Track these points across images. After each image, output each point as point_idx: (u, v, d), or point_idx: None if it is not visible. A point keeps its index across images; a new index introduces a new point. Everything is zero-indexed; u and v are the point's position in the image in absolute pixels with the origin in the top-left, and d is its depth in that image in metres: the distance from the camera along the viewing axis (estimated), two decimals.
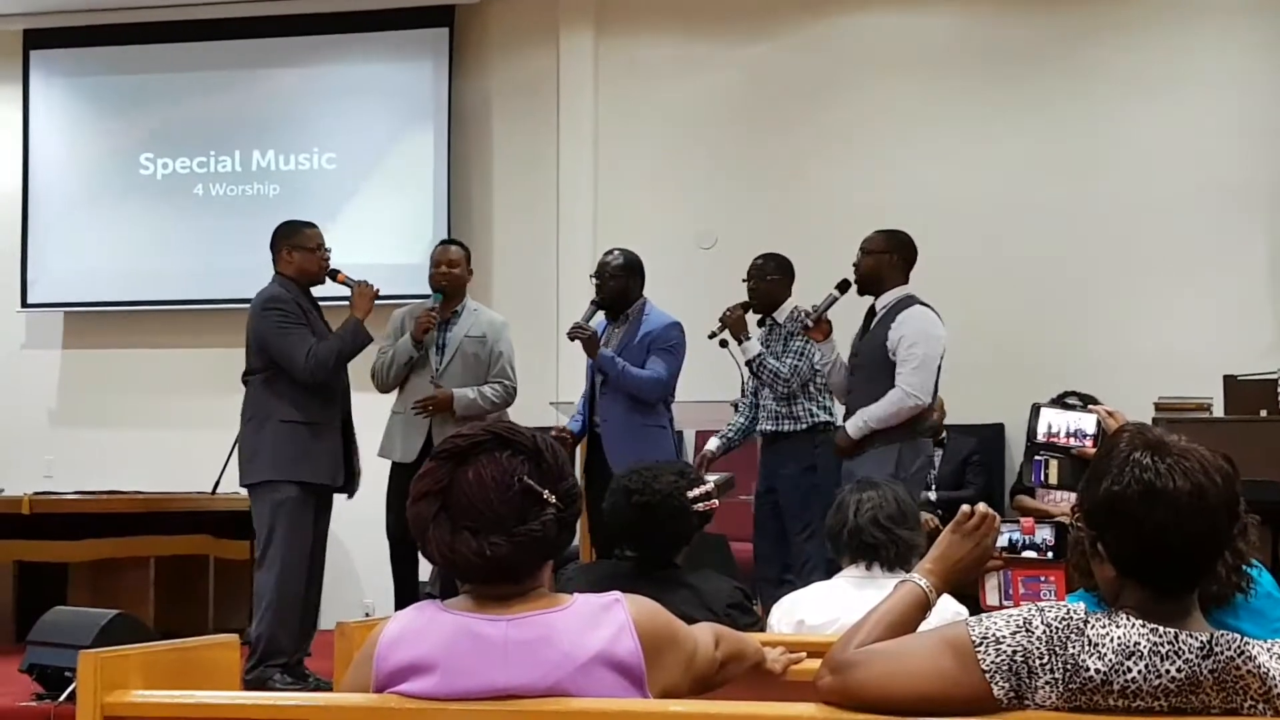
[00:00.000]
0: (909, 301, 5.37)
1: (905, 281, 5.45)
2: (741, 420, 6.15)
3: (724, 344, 6.15)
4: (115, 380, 8.45)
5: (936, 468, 6.88)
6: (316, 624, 5.75)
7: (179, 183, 8.55)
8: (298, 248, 5.62)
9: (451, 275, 6.01)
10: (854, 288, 5.51)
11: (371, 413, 6.03)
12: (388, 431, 5.99)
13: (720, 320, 5.89)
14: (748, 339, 5.86)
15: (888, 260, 5.41)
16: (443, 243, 6.32)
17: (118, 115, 8.64)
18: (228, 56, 8.51)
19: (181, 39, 8.54)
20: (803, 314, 5.60)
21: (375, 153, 8.30)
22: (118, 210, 8.56)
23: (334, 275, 5.70)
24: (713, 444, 6.14)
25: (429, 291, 6.07)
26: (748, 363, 5.88)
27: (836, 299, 5.52)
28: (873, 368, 5.31)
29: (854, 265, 5.49)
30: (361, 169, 8.30)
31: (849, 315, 5.58)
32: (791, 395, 5.85)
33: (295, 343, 5.45)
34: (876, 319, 5.40)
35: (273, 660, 5.31)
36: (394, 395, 6.05)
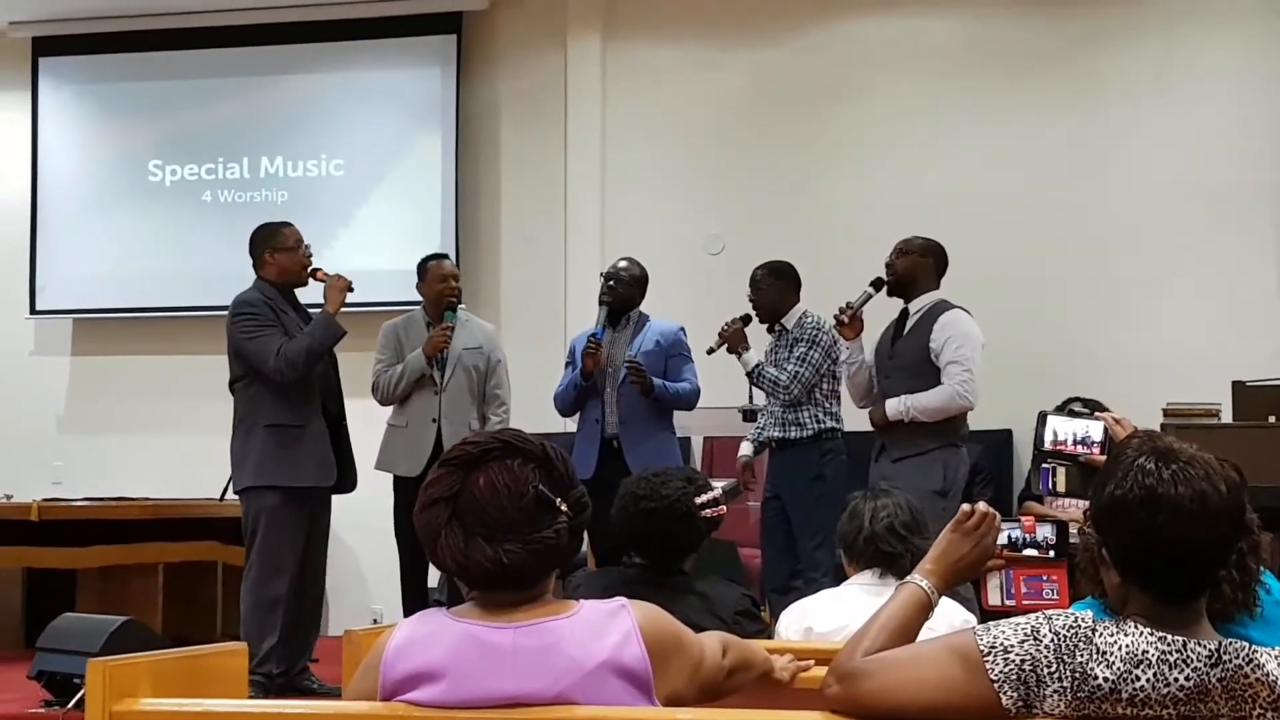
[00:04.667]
0: (945, 306, 5.36)
1: (937, 287, 5.44)
2: (758, 431, 6.11)
3: (710, 352, 6.14)
4: (124, 387, 8.46)
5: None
6: (316, 629, 5.74)
7: (188, 189, 8.56)
8: (279, 249, 5.61)
9: (458, 289, 6.07)
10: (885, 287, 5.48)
11: (364, 418, 6.04)
12: (386, 445, 5.97)
13: (719, 335, 5.89)
14: (746, 350, 5.85)
15: (924, 264, 5.41)
16: (435, 257, 6.23)
17: (126, 122, 8.66)
18: (236, 63, 8.53)
19: (190, 46, 8.55)
20: (836, 311, 5.53)
21: (383, 159, 8.31)
22: (126, 217, 8.57)
23: (314, 274, 5.67)
24: (747, 448, 6.08)
25: (418, 300, 6.09)
26: (748, 374, 5.86)
27: (872, 296, 5.49)
28: (913, 369, 5.28)
29: (887, 265, 5.46)
30: (370, 175, 8.31)
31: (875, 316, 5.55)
32: (796, 402, 5.83)
33: (264, 344, 5.44)
34: (912, 322, 5.37)
35: (257, 669, 5.27)
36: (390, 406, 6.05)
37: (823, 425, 5.87)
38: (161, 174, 8.61)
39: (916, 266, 5.41)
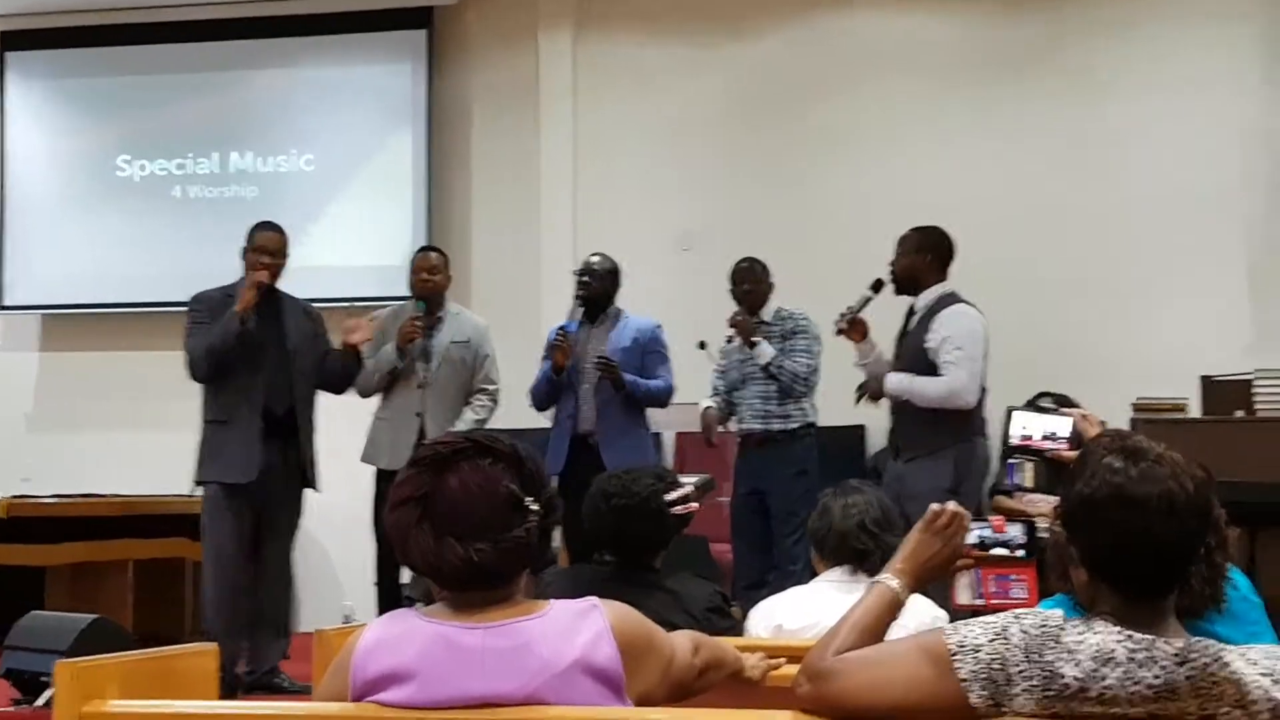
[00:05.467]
0: (949, 300, 5.29)
1: (943, 279, 5.36)
2: (721, 395, 6.11)
3: (702, 346, 6.17)
4: (93, 383, 8.41)
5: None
6: (282, 628, 5.73)
7: (157, 185, 8.51)
8: (248, 248, 5.67)
9: (433, 282, 6.01)
10: (889, 287, 5.43)
11: (351, 413, 6.02)
12: (372, 437, 5.98)
13: (733, 326, 5.89)
14: (759, 342, 5.86)
15: (922, 260, 5.34)
16: (422, 250, 6.32)
17: (95, 117, 8.60)
18: (206, 58, 8.48)
19: (159, 40, 8.51)
20: (836, 318, 5.50)
21: (354, 155, 8.28)
22: (95, 212, 8.52)
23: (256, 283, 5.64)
24: (711, 404, 6.08)
25: (408, 294, 6.07)
26: (764, 366, 5.85)
27: (870, 299, 5.45)
28: (915, 369, 5.23)
29: (890, 265, 5.41)
30: (340, 171, 8.28)
31: (888, 315, 5.53)
32: (797, 395, 5.86)
33: (190, 342, 5.60)
34: (916, 319, 5.33)
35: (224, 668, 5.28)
36: (377, 400, 6.03)
37: (808, 419, 5.91)
38: (130, 169, 8.55)
39: (914, 264, 5.35)
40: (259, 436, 5.54)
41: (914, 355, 5.25)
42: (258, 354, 5.59)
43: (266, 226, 5.79)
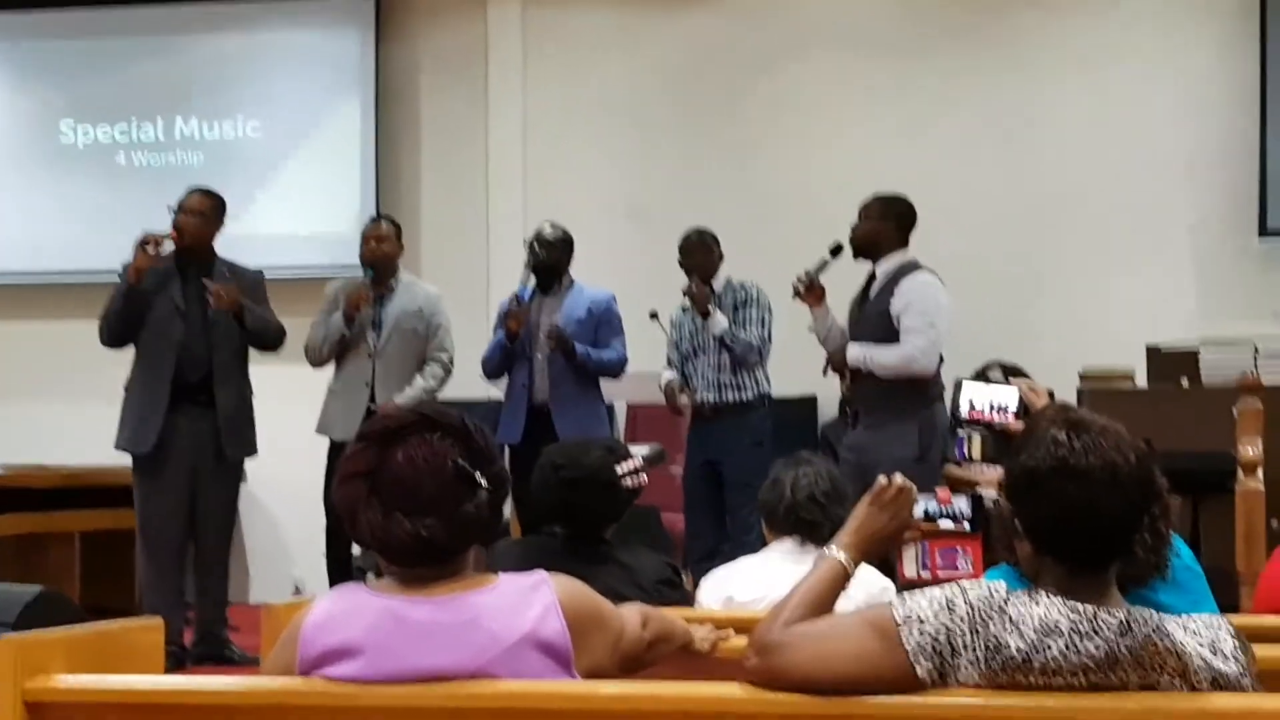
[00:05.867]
0: (910, 268, 5.27)
1: (904, 246, 5.34)
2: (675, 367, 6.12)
3: (654, 316, 6.17)
4: (37, 352, 8.30)
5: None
6: (216, 597, 5.69)
7: (100, 151, 8.39)
8: (175, 212, 5.63)
9: (381, 251, 5.95)
10: (847, 251, 5.39)
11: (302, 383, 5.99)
12: (325, 408, 5.94)
13: (689, 296, 5.89)
14: (713, 313, 5.85)
15: (885, 226, 5.31)
16: (373, 219, 6.28)
17: (37, 82, 8.44)
18: (151, 22, 8.34)
19: (103, 4, 8.36)
20: (794, 280, 5.43)
21: (301, 121, 8.18)
22: (37, 179, 8.38)
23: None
24: (669, 374, 6.08)
25: (357, 263, 6.02)
26: (718, 337, 5.85)
27: (829, 263, 5.41)
28: (875, 335, 5.20)
29: (851, 229, 5.38)
30: (287, 138, 8.18)
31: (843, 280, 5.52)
32: (750, 366, 5.87)
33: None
34: (878, 285, 5.30)
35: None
36: (330, 371, 5.99)
37: (762, 389, 5.93)
38: (74, 135, 8.42)
39: (875, 230, 5.31)
40: (161, 406, 5.48)
41: (875, 322, 5.25)
42: (169, 320, 5.53)
43: (195, 190, 5.75)
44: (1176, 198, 7.34)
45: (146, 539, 5.54)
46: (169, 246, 5.53)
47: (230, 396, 5.61)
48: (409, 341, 5.91)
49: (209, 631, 5.61)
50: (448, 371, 5.97)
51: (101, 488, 6.92)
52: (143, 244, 5.46)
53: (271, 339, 5.74)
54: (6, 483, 6.69)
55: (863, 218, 5.37)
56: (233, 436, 5.61)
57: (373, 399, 5.77)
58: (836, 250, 5.44)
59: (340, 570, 5.80)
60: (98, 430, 5.78)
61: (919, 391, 5.18)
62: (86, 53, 8.41)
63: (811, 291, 5.37)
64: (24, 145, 8.44)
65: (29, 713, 2.04)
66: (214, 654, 5.56)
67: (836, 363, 5.41)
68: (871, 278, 5.36)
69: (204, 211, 5.64)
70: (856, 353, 5.22)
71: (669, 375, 6.07)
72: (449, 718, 1.94)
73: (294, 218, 7.97)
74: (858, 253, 5.38)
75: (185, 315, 5.55)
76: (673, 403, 6.00)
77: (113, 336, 5.62)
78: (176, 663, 5.14)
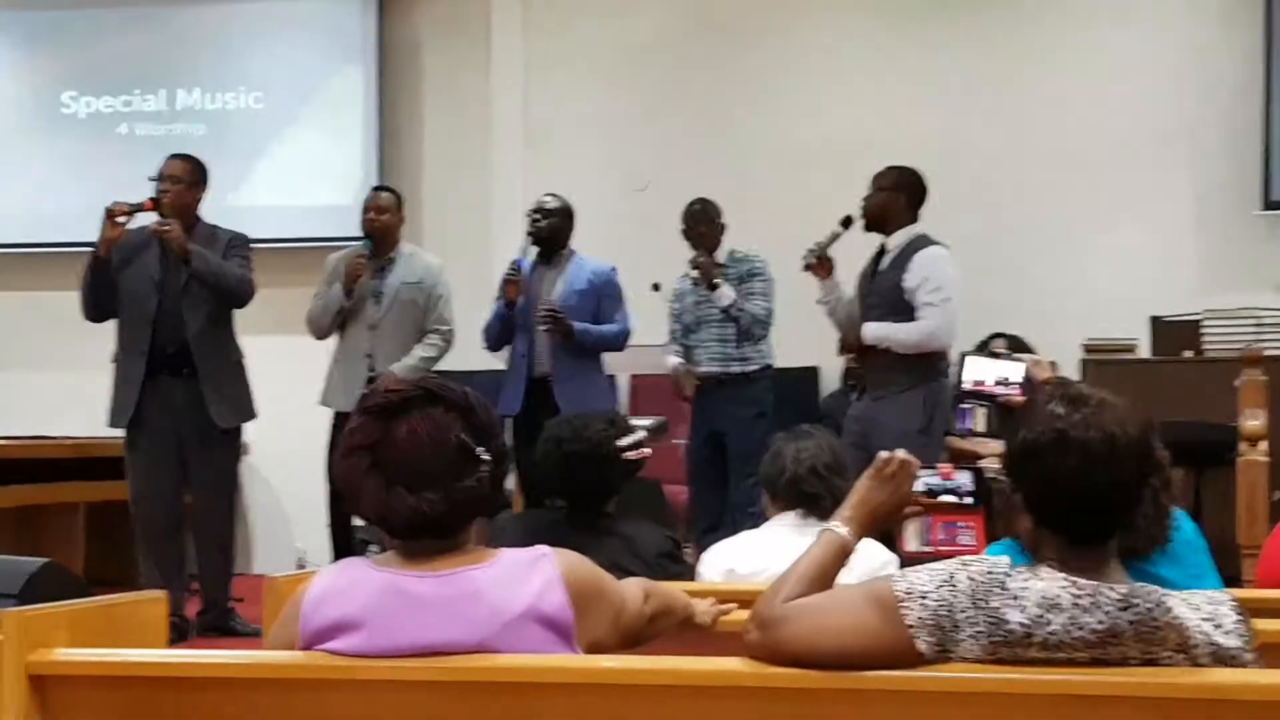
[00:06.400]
0: (923, 242, 5.27)
1: (915, 220, 5.34)
2: (679, 351, 6.11)
3: (656, 288, 6.16)
4: (40, 322, 8.28)
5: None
6: (220, 569, 5.68)
7: (102, 122, 8.37)
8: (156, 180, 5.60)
9: (381, 221, 5.93)
10: (859, 224, 5.40)
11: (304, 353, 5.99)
12: (328, 379, 5.93)
13: (695, 267, 5.88)
14: (720, 284, 5.84)
15: (896, 198, 5.30)
16: (374, 189, 6.25)
17: (38, 52, 8.43)
18: None
19: None
20: (804, 252, 5.44)
21: (304, 92, 8.17)
22: (39, 150, 8.37)
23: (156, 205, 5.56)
24: (675, 359, 6.06)
25: (360, 235, 6.01)
26: (724, 309, 5.84)
27: (840, 235, 5.41)
28: (887, 308, 5.21)
29: (862, 201, 5.37)
30: (290, 108, 8.17)
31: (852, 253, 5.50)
32: (755, 338, 5.86)
33: None
34: (889, 259, 5.29)
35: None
36: (333, 343, 5.99)
37: (766, 361, 5.93)
38: (75, 106, 8.40)
39: (887, 202, 5.31)
40: (137, 379, 5.47)
41: (887, 295, 5.24)
42: (145, 292, 5.50)
43: (173, 156, 5.72)
44: (1180, 169, 7.31)
45: (137, 513, 5.53)
46: (142, 217, 5.48)
47: (211, 363, 5.53)
48: (408, 312, 5.90)
49: (212, 602, 5.62)
50: (447, 343, 5.96)
51: (105, 459, 6.92)
52: (110, 215, 5.40)
53: (229, 288, 5.55)
54: (10, 454, 6.71)
55: (875, 189, 5.36)
56: (219, 403, 5.52)
57: (372, 370, 5.76)
58: (847, 222, 5.43)
59: (343, 542, 5.81)
60: (100, 401, 5.77)
61: (929, 364, 5.20)
62: (88, 23, 8.38)
63: (821, 264, 5.38)
64: (26, 116, 8.43)
65: (33, 685, 2.05)
66: (218, 625, 5.57)
67: (851, 343, 5.40)
68: (881, 251, 5.36)
69: (182, 177, 5.59)
70: (874, 332, 5.22)
71: (674, 360, 6.05)
72: (450, 691, 1.94)
73: (296, 188, 7.96)
74: (868, 226, 5.39)
75: (162, 285, 5.50)
76: (680, 389, 5.99)
77: (89, 310, 5.60)
78: (179, 635, 5.15)
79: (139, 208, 5.47)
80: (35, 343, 8.29)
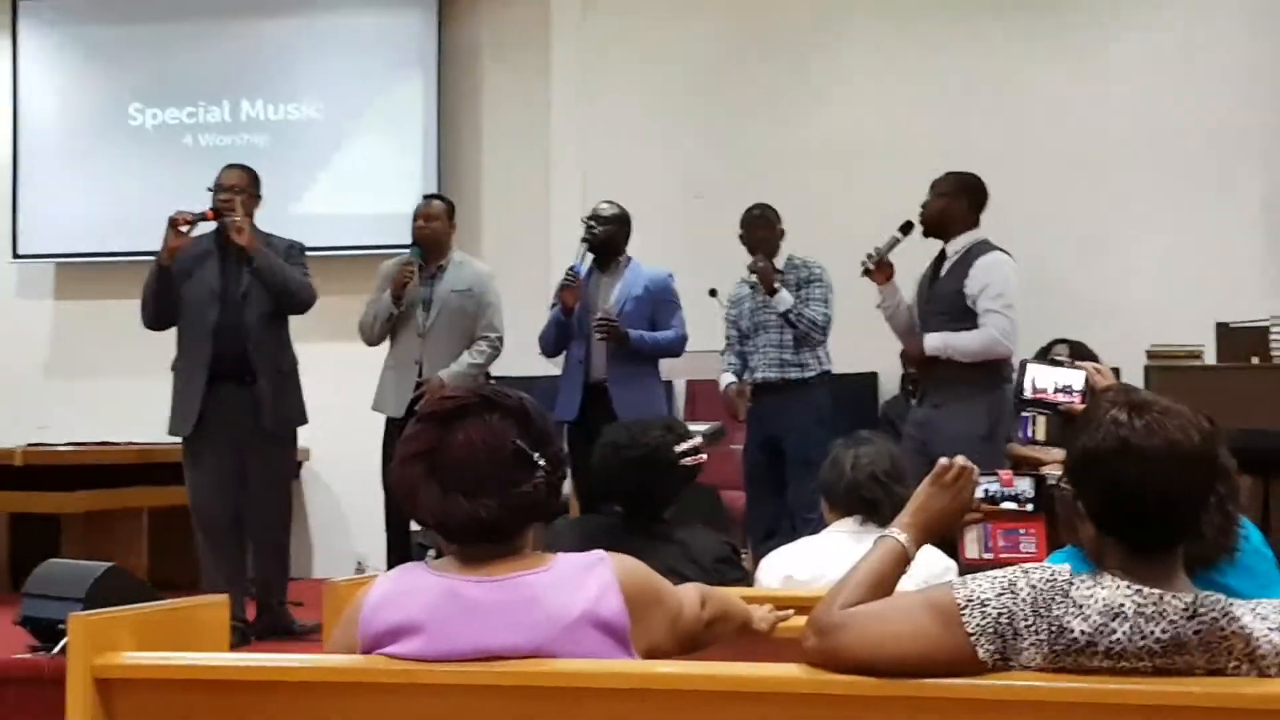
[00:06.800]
0: (985, 247, 5.24)
1: (975, 225, 5.31)
2: (735, 364, 6.10)
3: (713, 294, 6.15)
4: (107, 331, 8.40)
5: None
6: (276, 575, 5.71)
7: (168, 133, 8.49)
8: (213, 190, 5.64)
9: (431, 229, 5.96)
10: (918, 229, 5.36)
11: (360, 360, 6.03)
12: (380, 385, 5.97)
13: (754, 272, 5.87)
14: (779, 289, 5.83)
15: (957, 204, 5.28)
16: (425, 197, 6.27)
17: (107, 65, 8.56)
18: (216, 5, 8.43)
19: None
20: (864, 258, 5.41)
21: (364, 102, 8.24)
22: (108, 160, 8.50)
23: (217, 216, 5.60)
24: (729, 377, 6.04)
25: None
26: (784, 314, 5.83)
27: (899, 240, 5.37)
28: (950, 315, 5.18)
29: (921, 206, 5.35)
30: (350, 118, 8.24)
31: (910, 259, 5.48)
32: (814, 344, 5.85)
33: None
34: (949, 265, 5.27)
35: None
36: (385, 349, 6.03)
37: (823, 367, 5.91)
38: (142, 117, 8.53)
39: (948, 207, 5.29)
40: (198, 390, 5.52)
41: (948, 302, 5.21)
42: (206, 302, 5.55)
43: (229, 166, 5.77)
44: (1247, 173, 7.21)
45: (197, 520, 5.58)
46: (203, 227, 5.55)
47: (269, 370, 5.58)
48: (457, 320, 5.92)
49: (268, 606, 5.66)
50: (496, 350, 5.97)
51: (168, 464, 7.00)
52: (174, 224, 5.47)
53: (291, 293, 5.60)
54: (76, 460, 6.80)
55: (934, 195, 5.33)
56: (271, 408, 5.56)
57: (420, 376, 5.80)
58: (907, 228, 5.39)
59: (400, 547, 5.84)
60: (162, 408, 5.84)
61: (993, 370, 5.16)
62: (155, 36, 8.52)
63: (880, 269, 5.35)
64: (96, 128, 8.56)
65: (99, 689, 2.07)
66: (276, 627, 5.61)
67: (914, 354, 5.36)
68: (941, 256, 5.32)
69: (242, 186, 5.65)
70: (936, 343, 5.19)
71: (728, 379, 6.04)
72: (508, 696, 1.95)
73: (357, 197, 8.04)
74: (928, 231, 5.35)
75: (223, 295, 5.56)
76: (733, 410, 5.97)
77: (150, 318, 5.66)
78: (241, 638, 5.19)
79: (201, 217, 5.53)
80: (101, 351, 8.40)
